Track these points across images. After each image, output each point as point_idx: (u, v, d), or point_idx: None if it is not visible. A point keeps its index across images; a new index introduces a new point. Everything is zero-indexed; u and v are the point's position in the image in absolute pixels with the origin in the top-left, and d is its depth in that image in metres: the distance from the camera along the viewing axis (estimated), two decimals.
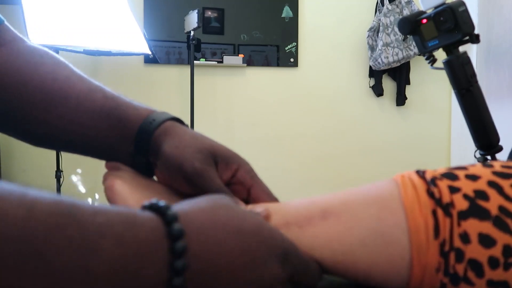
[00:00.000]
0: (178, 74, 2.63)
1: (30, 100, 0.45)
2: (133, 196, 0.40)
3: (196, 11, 2.19)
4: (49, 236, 0.20)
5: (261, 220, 0.29)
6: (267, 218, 0.35)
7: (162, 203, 0.26)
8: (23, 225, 0.19)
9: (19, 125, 0.47)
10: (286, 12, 2.73)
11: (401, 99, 2.82)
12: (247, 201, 0.42)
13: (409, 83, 2.84)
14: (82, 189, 2.51)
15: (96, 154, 0.47)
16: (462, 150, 2.74)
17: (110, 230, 0.22)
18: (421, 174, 0.34)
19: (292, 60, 2.75)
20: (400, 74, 2.79)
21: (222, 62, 2.62)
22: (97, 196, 2.51)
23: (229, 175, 0.42)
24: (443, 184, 0.32)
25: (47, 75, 0.45)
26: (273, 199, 0.42)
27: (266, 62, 2.73)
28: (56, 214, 0.20)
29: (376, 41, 2.69)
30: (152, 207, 0.26)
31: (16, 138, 0.48)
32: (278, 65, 2.74)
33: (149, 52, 2.21)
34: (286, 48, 2.74)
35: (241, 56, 2.65)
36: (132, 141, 0.44)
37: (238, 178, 0.42)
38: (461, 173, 0.33)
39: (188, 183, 0.40)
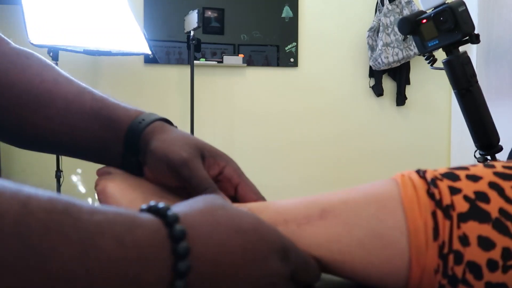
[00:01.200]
0: (178, 74, 2.63)
1: (17, 103, 0.44)
2: (125, 197, 0.41)
3: (196, 11, 2.19)
4: (45, 232, 0.19)
5: (258, 218, 0.29)
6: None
7: (161, 204, 0.25)
8: (18, 220, 0.18)
9: (8, 128, 0.46)
10: (286, 12, 2.73)
11: (401, 99, 2.82)
12: (234, 198, 0.43)
13: (409, 83, 2.84)
14: (82, 189, 2.51)
15: (86, 156, 0.47)
16: (462, 150, 2.74)
17: (109, 229, 0.21)
18: (421, 174, 0.33)
19: (292, 60, 2.75)
20: (400, 74, 2.79)
21: (222, 62, 2.62)
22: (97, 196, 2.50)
23: (217, 171, 0.42)
24: (444, 185, 0.32)
25: (34, 77, 0.45)
26: (260, 197, 0.42)
27: (266, 62, 2.73)
28: (52, 211, 0.20)
29: (376, 41, 2.69)
30: (151, 209, 0.25)
31: (5, 142, 0.48)
32: (278, 65, 2.74)
33: (149, 52, 2.21)
34: (286, 48, 2.74)
35: (241, 56, 2.65)
36: (122, 141, 0.44)
37: (225, 175, 0.42)
38: (462, 174, 0.33)
39: (174, 174, 0.40)
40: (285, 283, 0.28)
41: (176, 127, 0.46)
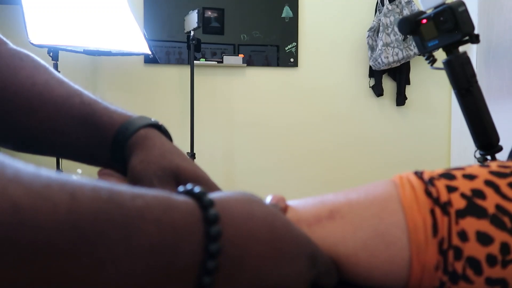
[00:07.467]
0: (178, 74, 2.63)
1: (9, 106, 0.45)
2: None
3: (196, 11, 2.19)
4: (94, 220, 0.20)
5: (290, 221, 0.30)
6: (284, 211, 0.35)
7: (197, 189, 0.26)
8: (68, 210, 0.19)
9: (1, 130, 0.46)
10: (286, 12, 2.73)
11: (401, 99, 2.82)
12: None
13: (409, 83, 2.85)
14: None
15: (78, 159, 0.47)
16: (462, 150, 2.74)
17: (149, 213, 0.23)
18: (419, 174, 0.34)
19: (292, 60, 2.75)
20: (400, 74, 2.79)
21: (222, 62, 2.62)
22: None
23: None
24: (441, 184, 0.32)
25: (26, 80, 0.45)
26: None
27: (266, 62, 2.73)
28: (98, 199, 0.21)
29: (376, 41, 2.69)
30: (188, 193, 0.26)
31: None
32: (278, 65, 2.74)
33: (149, 52, 2.21)
34: (286, 48, 2.74)
35: (241, 56, 2.65)
36: (108, 149, 0.44)
37: None
38: (458, 173, 0.33)
39: None
40: (305, 285, 0.29)
41: (164, 129, 0.46)
